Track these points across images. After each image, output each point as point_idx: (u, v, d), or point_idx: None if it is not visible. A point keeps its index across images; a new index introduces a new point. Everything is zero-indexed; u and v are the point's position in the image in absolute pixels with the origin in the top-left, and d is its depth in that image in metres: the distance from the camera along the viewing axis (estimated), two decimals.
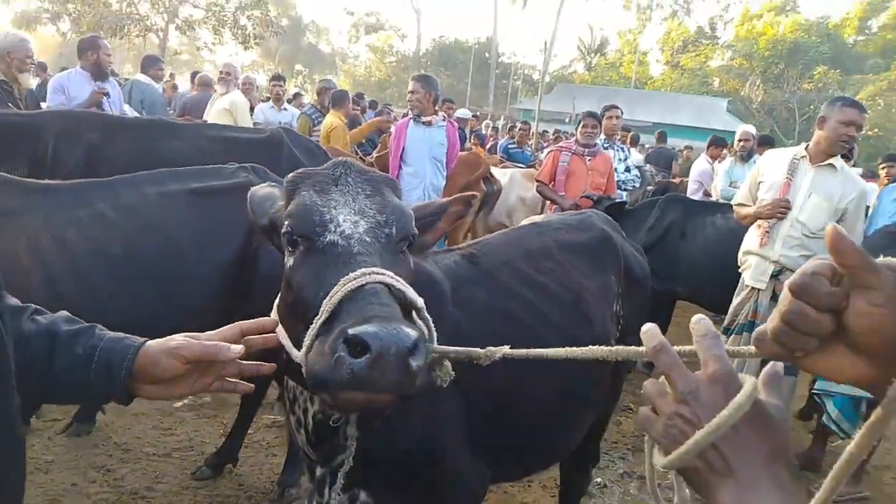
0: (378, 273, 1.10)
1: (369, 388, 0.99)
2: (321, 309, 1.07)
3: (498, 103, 40.82)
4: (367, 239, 1.19)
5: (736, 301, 3.88)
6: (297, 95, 12.32)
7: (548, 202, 5.80)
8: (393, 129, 5.64)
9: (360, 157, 6.76)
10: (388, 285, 1.10)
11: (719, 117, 31.56)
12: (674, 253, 4.74)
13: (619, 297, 2.35)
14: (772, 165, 3.83)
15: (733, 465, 0.65)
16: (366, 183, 1.30)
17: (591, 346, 0.91)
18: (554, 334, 1.91)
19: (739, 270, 3.93)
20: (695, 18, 58.34)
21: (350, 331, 0.97)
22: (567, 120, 25.64)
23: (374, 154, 6.64)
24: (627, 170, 6.47)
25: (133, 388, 1.07)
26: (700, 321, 0.73)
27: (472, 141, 11.11)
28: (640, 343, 0.79)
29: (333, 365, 0.98)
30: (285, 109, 8.04)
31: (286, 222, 1.23)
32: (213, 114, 6.40)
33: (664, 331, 5.20)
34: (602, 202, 5.25)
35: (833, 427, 3.50)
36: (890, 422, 0.66)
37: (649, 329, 0.75)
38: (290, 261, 1.23)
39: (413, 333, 1.00)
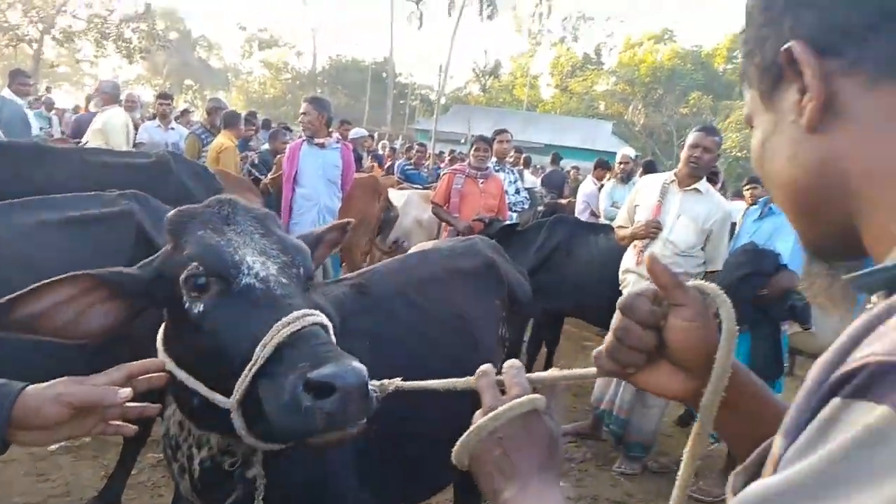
0: (311, 315, 1.13)
1: (342, 425, 1.04)
2: (256, 355, 1.08)
3: (396, 123, 41.10)
4: (284, 280, 1.20)
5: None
6: (185, 112, 11.89)
7: (443, 223, 5.94)
8: (287, 150, 5.59)
9: (254, 179, 6.63)
10: (322, 325, 1.14)
11: (605, 139, 33.28)
12: (561, 272, 4.97)
13: (505, 320, 2.46)
14: (646, 190, 4.13)
15: (517, 469, 0.74)
16: (255, 221, 1.30)
17: (448, 380, 0.97)
18: (443, 360, 1.97)
19: (620, 288, 4.18)
20: (582, 45, 61.36)
21: (311, 375, 1.00)
22: (463, 140, 26.17)
23: (269, 176, 6.53)
24: (518, 192, 6.71)
25: (10, 435, 1.01)
26: (512, 361, 0.85)
27: (370, 161, 11.15)
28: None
29: (305, 415, 1.01)
30: (172, 129, 7.75)
31: (192, 264, 1.19)
32: (89, 134, 6.08)
33: (554, 344, 5.41)
34: (494, 224, 5.42)
35: None
36: (709, 430, 0.78)
37: (483, 367, 0.85)
38: (197, 306, 1.19)
39: (363, 366, 1.05)
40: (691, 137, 3.93)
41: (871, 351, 0.44)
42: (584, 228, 5.35)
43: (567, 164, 14.72)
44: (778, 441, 0.51)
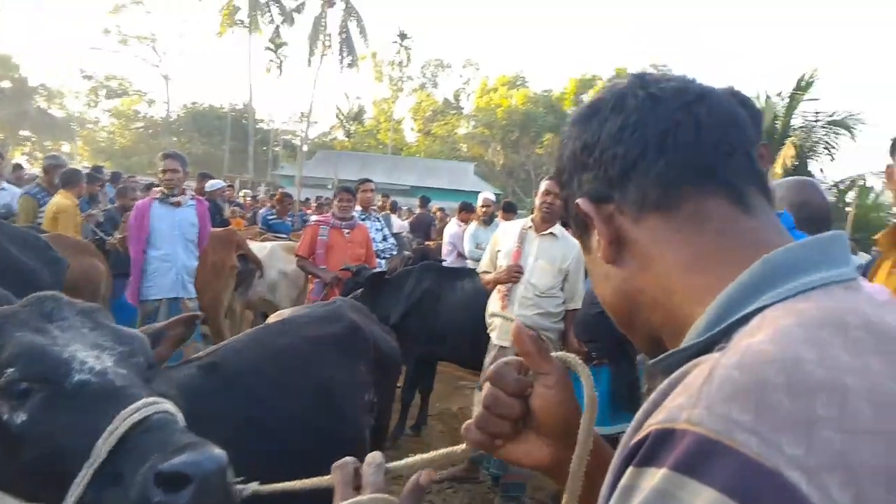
0: (156, 403, 1.04)
1: None
2: (95, 454, 0.96)
3: (258, 170, 40.14)
4: (122, 371, 1.11)
5: (487, 360, 4.20)
6: (17, 167, 10.87)
7: (310, 275, 5.81)
8: (133, 210, 5.22)
9: (99, 240, 6.14)
10: (170, 413, 1.05)
11: (468, 180, 34.45)
12: (431, 317, 5.00)
13: (372, 384, 2.41)
14: (506, 236, 4.28)
15: None
16: (82, 315, 1.20)
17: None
18: (306, 436, 1.89)
19: (488, 331, 4.27)
20: (441, 90, 63.52)
21: (162, 467, 0.90)
22: (330, 186, 26.04)
23: (117, 235, 6.08)
24: (385, 239, 6.73)
25: None
26: (373, 455, 0.83)
27: (229, 211, 10.74)
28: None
29: None
30: (3, 189, 7.07)
31: (8, 371, 1.07)
32: None
33: (429, 389, 5.39)
34: (362, 272, 5.38)
35: None
36: (577, 492, 0.77)
37: (339, 463, 0.84)
38: (19, 416, 1.06)
39: (221, 451, 0.96)
40: (543, 185, 4.14)
41: (654, 420, 0.51)
42: (451, 274, 5.44)
43: (434, 205, 15.07)
44: None
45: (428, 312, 5.00)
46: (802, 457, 0.43)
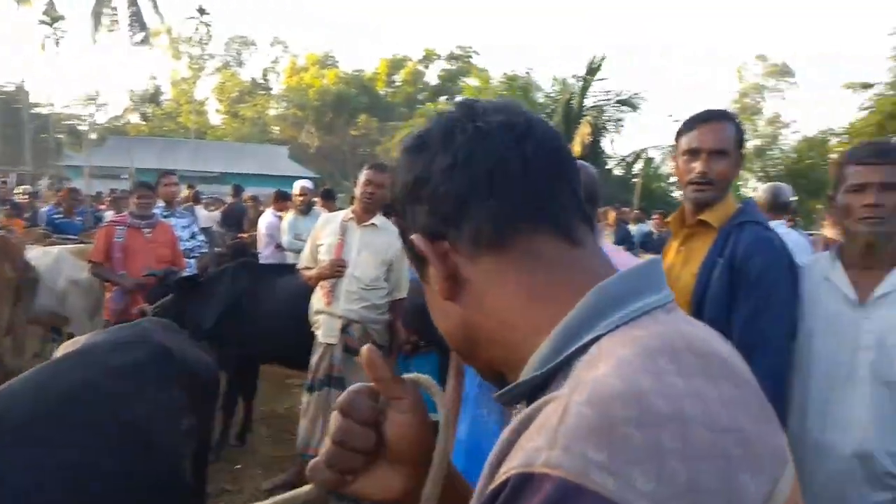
0: None
1: None
2: None
3: (38, 160, 35.50)
4: None
5: (314, 358, 4.04)
6: None
7: (107, 283, 5.19)
8: None
9: None
10: None
11: (283, 164, 33.29)
12: (251, 318, 4.69)
13: (189, 408, 2.17)
14: (326, 229, 4.12)
15: None
16: None
17: None
18: (108, 482, 1.63)
19: (313, 329, 4.10)
20: (247, 70, 60.50)
21: None
22: (125, 176, 23.71)
23: None
24: (193, 236, 6.22)
25: None
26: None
27: (4, 212, 9.36)
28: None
29: None
30: None
31: None
32: None
33: (252, 393, 5.12)
34: (169, 276, 4.92)
35: None
36: None
37: None
38: None
39: None
40: (364, 175, 4.02)
41: (510, 466, 0.50)
42: (269, 271, 5.16)
43: (245, 194, 14.24)
44: None
45: (247, 314, 4.69)
46: (654, 491, 0.46)
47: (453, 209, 0.68)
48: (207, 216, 10.63)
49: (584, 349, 0.59)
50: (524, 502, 0.47)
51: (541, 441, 0.49)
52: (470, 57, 41.64)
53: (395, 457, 0.75)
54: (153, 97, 51.98)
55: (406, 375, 0.79)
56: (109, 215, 10.46)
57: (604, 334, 0.59)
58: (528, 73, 22.40)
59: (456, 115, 0.72)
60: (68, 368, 1.89)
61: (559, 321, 0.62)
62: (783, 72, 33.93)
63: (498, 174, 0.68)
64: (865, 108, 17.94)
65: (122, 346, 2.11)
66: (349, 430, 0.73)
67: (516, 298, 0.67)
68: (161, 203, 6.00)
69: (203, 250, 6.22)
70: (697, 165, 2.12)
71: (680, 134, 2.22)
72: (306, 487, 0.76)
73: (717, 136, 2.12)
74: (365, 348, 0.77)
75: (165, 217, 5.85)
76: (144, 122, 49.08)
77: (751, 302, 1.93)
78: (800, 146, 19.72)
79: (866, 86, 17.99)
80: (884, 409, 1.81)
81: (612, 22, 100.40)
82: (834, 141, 18.04)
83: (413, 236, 0.71)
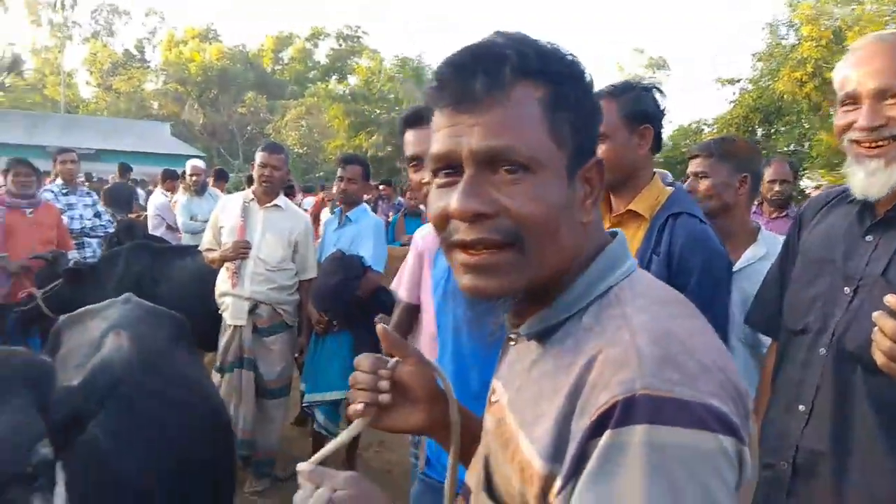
0: None
1: None
2: None
3: None
4: None
5: (223, 341, 4.00)
6: None
7: None
8: None
9: None
10: None
11: (165, 141, 31.51)
12: (154, 301, 4.54)
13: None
14: (227, 210, 4.08)
15: None
16: None
17: None
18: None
19: (220, 311, 4.05)
20: (120, 40, 56.46)
21: None
22: None
23: None
24: (98, 215, 5.95)
25: None
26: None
27: None
28: None
29: None
30: None
31: None
32: None
33: None
34: (60, 260, 4.68)
35: (324, 431, 3.99)
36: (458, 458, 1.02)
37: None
38: None
39: None
40: (259, 157, 4.00)
41: (612, 394, 0.66)
42: (168, 253, 4.98)
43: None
44: (536, 463, 0.73)
45: (147, 297, 4.49)
46: (714, 392, 0.67)
47: (594, 150, 0.86)
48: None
49: (600, 296, 0.80)
50: (637, 415, 0.64)
51: (630, 374, 0.67)
52: (359, 37, 40.99)
53: (411, 396, 1.00)
54: (12, 66, 47.34)
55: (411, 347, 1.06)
56: None
57: (613, 285, 0.81)
58: (419, 56, 22.40)
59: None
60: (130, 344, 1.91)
61: (587, 268, 0.82)
62: (659, 65, 35.90)
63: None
64: (732, 102, 19.53)
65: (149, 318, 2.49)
66: (355, 377, 0.99)
67: (596, 246, 0.85)
68: (59, 181, 5.85)
69: (108, 230, 5.95)
70: None
71: None
72: (353, 424, 0.99)
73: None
74: (379, 327, 1.01)
75: (65, 195, 5.65)
76: (2, 94, 44.74)
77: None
78: (675, 135, 21.13)
79: (732, 81, 19.59)
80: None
81: (490, 7, 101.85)
82: (706, 131, 19.53)
83: (600, 157, 0.86)
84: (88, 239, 5.74)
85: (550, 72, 0.79)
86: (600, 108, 0.88)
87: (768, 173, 4.28)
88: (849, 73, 1.44)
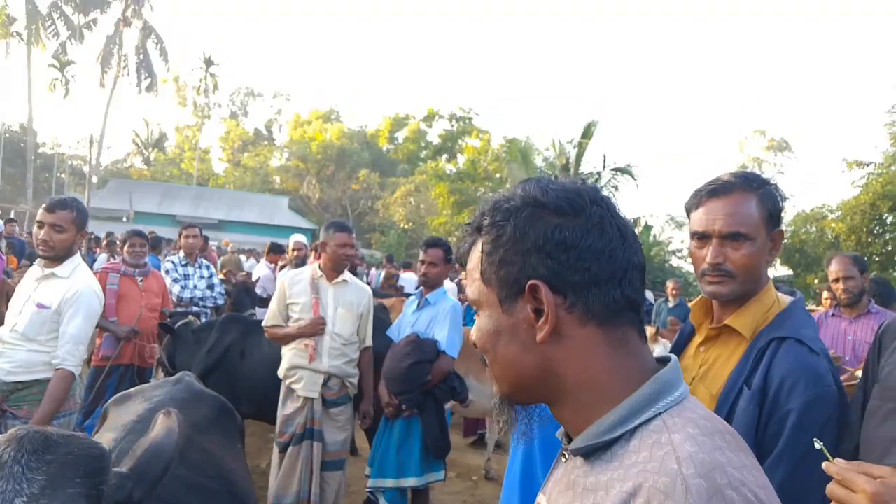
0: None
1: None
2: None
3: (39, 200, 35.72)
4: None
5: (287, 412, 4.00)
6: None
7: (98, 329, 5.21)
8: None
9: None
10: None
11: (282, 214, 33.59)
12: (235, 373, 4.71)
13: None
14: (296, 287, 4.10)
15: None
16: (38, 472, 1.10)
17: None
18: None
19: (289, 384, 4.07)
20: (252, 120, 61.61)
21: None
22: (125, 219, 23.90)
23: None
24: (211, 287, 6.35)
25: None
26: None
27: (3, 251, 9.38)
28: None
29: None
30: None
31: None
32: None
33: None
34: (176, 316, 5.04)
35: None
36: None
37: None
38: None
39: None
40: (339, 237, 4.03)
41: None
42: (257, 327, 5.16)
43: (246, 239, 14.28)
44: None
45: (232, 368, 4.71)
46: None
47: (586, 282, 0.83)
48: None
49: (647, 422, 0.80)
50: None
51: None
52: (471, 118, 42.44)
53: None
54: (157, 142, 52.76)
55: None
56: (103, 259, 10.54)
57: (660, 412, 0.81)
58: (527, 137, 22.83)
59: (601, 206, 0.87)
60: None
61: (625, 397, 0.82)
62: (781, 147, 34.66)
63: (627, 274, 0.85)
64: (858, 185, 18.17)
65: (190, 402, 2.39)
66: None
67: (601, 367, 0.84)
68: (181, 254, 6.36)
69: (219, 302, 6.35)
70: (708, 253, 1.60)
71: (688, 209, 1.69)
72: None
73: (733, 214, 1.57)
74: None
75: (184, 266, 6.17)
76: (147, 167, 49.66)
77: (784, 463, 1.40)
78: (796, 220, 19.96)
79: (861, 164, 18.19)
80: None
81: (611, 86, 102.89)
82: (829, 217, 18.20)
83: (537, 282, 0.83)
84: (196, 308, 6.12)
85: (492, 224, 0.89)
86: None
87: (830, 273, 3.97)
88: None
